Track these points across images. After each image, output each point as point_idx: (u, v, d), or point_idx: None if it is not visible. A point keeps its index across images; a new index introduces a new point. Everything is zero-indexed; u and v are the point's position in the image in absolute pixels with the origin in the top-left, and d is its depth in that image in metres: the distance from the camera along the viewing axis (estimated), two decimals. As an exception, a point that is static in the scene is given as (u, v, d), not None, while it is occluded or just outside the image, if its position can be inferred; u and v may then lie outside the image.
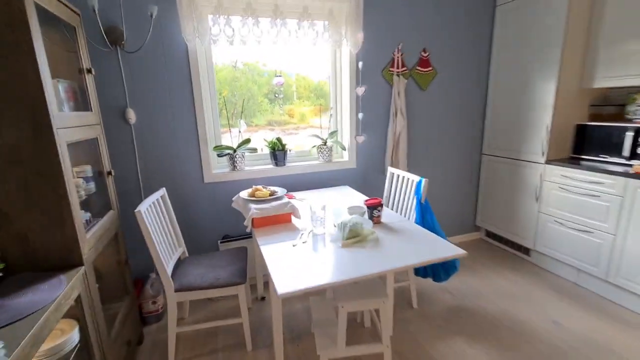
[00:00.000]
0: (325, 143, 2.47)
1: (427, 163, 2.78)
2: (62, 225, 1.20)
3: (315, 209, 1.53)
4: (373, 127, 2.54)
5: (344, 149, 2.49)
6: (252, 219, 1.60)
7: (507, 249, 2.86)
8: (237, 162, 2.23)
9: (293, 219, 1.71)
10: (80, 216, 1.27)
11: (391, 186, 2.30)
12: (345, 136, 2.55)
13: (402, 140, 2.56)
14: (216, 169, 2.29)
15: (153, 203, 1.75)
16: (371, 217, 1.62)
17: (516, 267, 2.61)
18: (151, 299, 2.03)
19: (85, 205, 1.54)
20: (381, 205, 1.61)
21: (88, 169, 1.56)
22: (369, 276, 1.16)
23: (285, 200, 1.70)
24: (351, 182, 2.57)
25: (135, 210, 1.49)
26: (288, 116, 2.42)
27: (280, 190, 1.84)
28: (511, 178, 2.70)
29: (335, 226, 1.54)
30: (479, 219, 3.06)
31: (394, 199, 2.24)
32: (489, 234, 3.04)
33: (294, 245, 1.41)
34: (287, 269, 1.22)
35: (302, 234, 1.52)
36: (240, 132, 2.28)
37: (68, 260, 1.23)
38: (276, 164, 2.36)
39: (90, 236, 1.36)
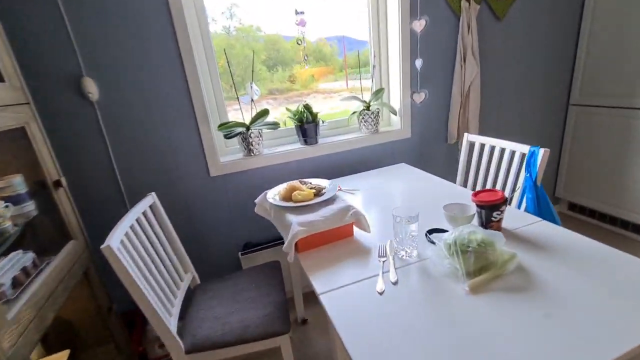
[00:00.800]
0: (368, 107, 1.79)
1: (499, 122, 2.09)
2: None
3: (400, 218, 0.90)
4: (431, 79, 1.84)
5: (394, 113, 1.82)
6: (296, 242, 0.98)
7: (603, 225, 2.23)
8: (253, 143, 1.58)
9: (356, 230, 1.08)
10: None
11: (470, 161, 1.64)
12: (394, 95, 1.85)
13: (473, 93, 1.86)
14: (225, 155, 1.66)
15: (138, 221, 1.14)
16: (487, 222, 0.99)
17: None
18: (157, 341, 1.49)
19: (22, 242, 0.93)
20: (506, 202, 0.97)
21: (16, 182, 0.93)
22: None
23: (344, 202, 1.07)
24: (407, 158, 1.92)
25: (102, 247, 0.88)
26: (289, 83, 1.77)
27: (328, 185, 1.20)
28: (619, 134, 2.00)
29: (434, 243, 0.92)
30: (561, 188, 2.40)
31: (478, 179, 1.59)
32: (573, 207, 2.40)
33: (380, 293, 0.80)
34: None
35: (382, 263, 0.91)
36: (252, 100, 1.61)
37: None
38: (305, 142, 1.71)
39: (24, 306, 0.77)
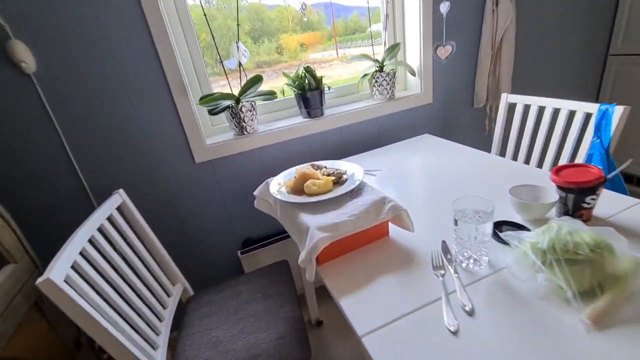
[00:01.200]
0: (381, 68, 1.47)
1: (535, 80, 1.79)
2: None
3: (467, 215, 0.63)
4: (457, 30, 1.51)
5: (413, 73, 1.50)
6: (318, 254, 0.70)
7: (643, 192, 2.00)
8: (245, 119, 1.28)
9: (392, 228, 0.81)
10: None
11: (509, 127, 1.36)
12: (412, 52, 1.53)
13: (506, 45, 1.54)
14: (212, 136, 1.35)
15: (101, 229, 0.86)
16: (575, 210, 0.73)
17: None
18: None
19: None
20: (605, 182, 0.70)
21: None
22: None
23: (375, 192, 0.79)
24: (428, 128, 1.63)
25: (39, 281, 0.61)
26: (277, 54, 1.46)
27: (349, 170, 0.92)
28: (671, 87, 1.72)
29: (508, 244, 0.65)
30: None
31: (520, 149, 1.31)
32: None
33: (453, 331, 0.54)
34: None
35: (442, 278, 0.64)
36: (240, 65, 1.28)
37: None
38: (309, 114, 1.40)
39: None
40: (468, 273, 0.65)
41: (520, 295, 0.59)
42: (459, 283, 0.62)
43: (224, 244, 1.41)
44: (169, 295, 1.06)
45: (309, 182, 0.82)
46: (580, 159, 1.11)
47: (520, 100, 1.29)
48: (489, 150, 1.40)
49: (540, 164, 1.25)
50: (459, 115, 1.67)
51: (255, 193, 0.99)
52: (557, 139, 1.18)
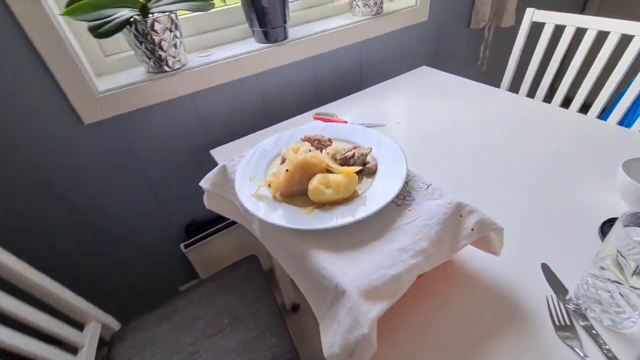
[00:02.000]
0: (365, -36, 1.00)
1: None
2: None
3: (632, 238, 0.34)
4: None
5: (407, -25, 1.06)
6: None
7: None
8: (163, 44, 0.76)
9: (464, 255, 0.49)
10: None
11: (526, 55, 1.06)
12: (406, -60, 1.07)
13: (522, -61, 1.16)
14: (109, 75, 0.81)
15: None
16: None
17: None
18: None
19: None
20: None
21: None
22: None
23: (435, 191, 0.44)
24: (419, 55, 1.26)
25: None
26: None
27: (372, 144, 0.54)
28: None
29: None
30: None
31: (541, 84, 1.04)
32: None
33: None
34: None
35: (577, 350, 0.37)
36: (139, -60, 0.71)
37: None
38: (265, 37, 0.92)
39: None
40: (612, 334, 0.39)
41: None
42: (627, 370, 0.35)
43: (157, 237, 0.99)
44: (76, 352, 0.66)
45: (316, 179, 0.43)
46: (627, 102, 0.88)
47: (551, 19, 0.97)
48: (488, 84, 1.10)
49: (565, 105, 1.01)
50: (452, 39, 1.32)
51: (202, 184, 0.57)
52: (596, 73, 0.92)
